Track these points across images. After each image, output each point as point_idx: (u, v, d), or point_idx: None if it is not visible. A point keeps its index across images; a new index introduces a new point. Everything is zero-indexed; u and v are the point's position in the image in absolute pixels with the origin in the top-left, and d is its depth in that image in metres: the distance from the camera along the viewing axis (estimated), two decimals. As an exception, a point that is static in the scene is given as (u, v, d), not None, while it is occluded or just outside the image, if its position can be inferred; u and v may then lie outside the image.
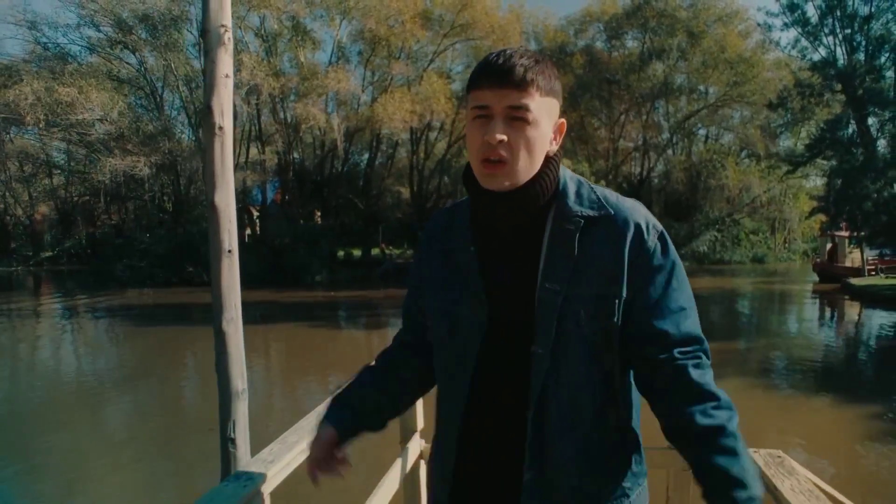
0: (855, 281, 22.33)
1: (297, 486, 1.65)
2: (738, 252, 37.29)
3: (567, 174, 1.05)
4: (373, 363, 1.23)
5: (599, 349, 0.98)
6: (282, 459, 1.44)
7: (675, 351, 0.96)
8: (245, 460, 2.41)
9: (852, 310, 18.61)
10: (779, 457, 1.35)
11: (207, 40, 2.28)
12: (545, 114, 0.97)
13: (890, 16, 19.98)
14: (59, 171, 32.14)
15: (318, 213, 31.70)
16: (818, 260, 29.06)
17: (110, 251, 29.75)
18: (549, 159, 1.01)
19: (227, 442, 2.41)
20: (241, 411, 2.44)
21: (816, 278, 26.32)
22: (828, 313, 19.07)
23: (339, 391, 1.18)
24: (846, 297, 20.80)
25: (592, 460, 0.99)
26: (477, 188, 1.01)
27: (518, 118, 0.94)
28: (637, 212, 1.01)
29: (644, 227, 0.99)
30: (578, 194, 1.02)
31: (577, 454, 0.98)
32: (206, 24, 2.28)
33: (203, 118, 2.32)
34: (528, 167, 0.97)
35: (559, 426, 0.97)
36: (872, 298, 19.35)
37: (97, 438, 7.19)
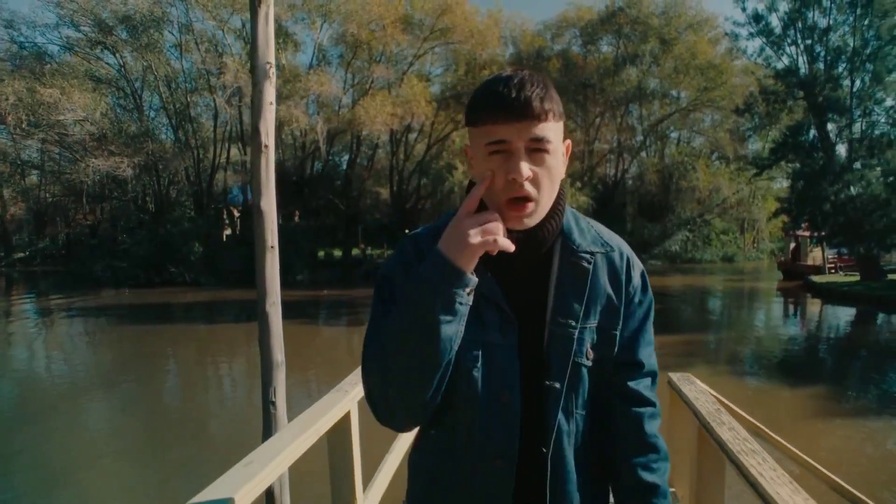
0: (816, 278, 23.47)
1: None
2: (708, 251, 38.52)
3: (567, 207, 1.06)
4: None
5: (599, 379, 1.02)
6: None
7: (644, 380, 1.05)
8: (283, 421, 2.94)
9: (813, 306, 19.58)
10: (688, 377, 1.94)
11: (255, 74, 2.79)
12: (560, 139, 0.95)
13: (846, 28, 21.00)
14: (35, 172, 31.73)
15: (297, 214, 31.89)
16: (782, 259, 30.37)
17: (86, 252, 29.53)
18: (560, 184, 1.01)
19: (268, 405, 2.95)
20: (280, 379, 2.98)
21: (781, 276, 27.53)
22: (790, 309, 20.03)
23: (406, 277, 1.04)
24: (808, 293, 21.86)
25: (596, 483, 1.05)
26: None
27: (540, 150, 0.91)
28: (627, 249, 1.06)
29: (633, 264, 1.04)
30: (580, 229, 1.04)
31: (587, 482, 1.02)
32: (253, 61, 2.80)
33: (252, 138, 2.83)
34: (550, 199, 0.96)
35: (573, 456, 1.00)
36: (832, 295, 20.42)
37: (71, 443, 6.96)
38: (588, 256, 1.00)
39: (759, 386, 9.66)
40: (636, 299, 1.04)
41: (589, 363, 1.00)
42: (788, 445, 2.00)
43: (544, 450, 0.98)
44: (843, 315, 17.68)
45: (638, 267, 1.05)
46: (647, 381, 1.05)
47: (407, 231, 32.17)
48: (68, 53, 26.86)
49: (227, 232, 31.47)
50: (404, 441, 2.54)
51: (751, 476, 1.34)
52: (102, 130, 23.65)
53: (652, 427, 1.04)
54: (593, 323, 1.00)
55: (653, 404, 1.05)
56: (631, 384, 1.03)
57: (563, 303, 0.98)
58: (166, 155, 25.23)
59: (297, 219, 31.66)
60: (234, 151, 30.66)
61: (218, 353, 12.91)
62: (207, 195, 28.60)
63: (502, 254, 0.92)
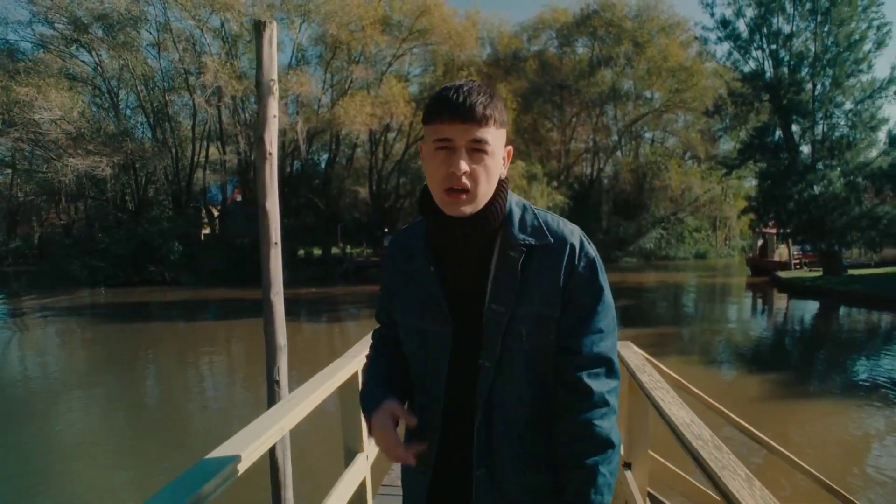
0: (782, 274, 24.40)
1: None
2: (681, 249, 39.42)
3: (513, 200, 1.15)
4: (373, 358, 1.32)
5: (538, 362, 1.10)
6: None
7: (585, 369, 1.08)
8: (287, 398, 3.30)
9: (780, 301, 20.39)
10: (626, 344, 2.41)
11: (260, 90, 3.16)
12: (499, 144, 1.07)
13: (808, 35, 21.94)
14: (6, 172, 31.19)
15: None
16: (750, 255, 31.37)
17: (60, 251, 29.17)
18: (500, 183, 1.11)
19: (273, 383, 3.32)
20: (283, 360, 3.36)
21: (749, 272, 28.49)
22: (758, 304, 20.84)
23: (363, 390, 1.25)
24: (775, 289, 22.75)
25: (534, 457, 1.12)
26: (435, 213, 1.10)
27: (479, 150, 1.03)
28: (576, 240, 1.10)
29: (577, 253, 1.09)
30: (522, 221, 1.12)
31: (521, 452, 1.11)
32: (259, 78, 3.16)
33: (256, 146, 3.20)
34: (486, 193, 1.07)
35: (503, 429, 1.10)
36: (797, 290, 21.32)
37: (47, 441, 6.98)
38: (521, 248, 1.08)
39: (726, 373, 10.26)
40: (580, 288, 1.09)
41: (525, 347, 1.08)
42: (693, 388, 2.59)
43: (474, 424, 1.09)
44: (808, 309, 18.49)
45: (586, 258, 1.10)
46: (592, 369, 1.08)
47: (386, 230, 32.42)
48: (42, 51, 26.52)
49: (206, 231, 31.43)
50: (352, 474, 2.68)
51: (654, 399, 1.82)
52: (80, 130, 23.47)
53: (590, 415, 1.07)
54: (529, 310, 1.07)
55: (591, 392, 1.07)
56: (571, 371, 1.08)
57: (497, 290, 1.08)
58: (145, 154, 25.12)
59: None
60: (212, 150, 30.62)
61: (200, 350, 13.11)
62: (186, 194, 28.55)
63: (451, 245, 1.12)
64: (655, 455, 2.57)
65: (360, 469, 2.52)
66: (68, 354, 13.20)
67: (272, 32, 3.17)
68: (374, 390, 1.19)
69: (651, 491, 2.56)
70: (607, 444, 1.07)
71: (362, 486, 2.56)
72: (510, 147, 1.14)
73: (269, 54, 3.15)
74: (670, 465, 2.56)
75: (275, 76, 3.18)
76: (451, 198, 1.04)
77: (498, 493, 1.10)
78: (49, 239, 35.88)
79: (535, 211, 1.14)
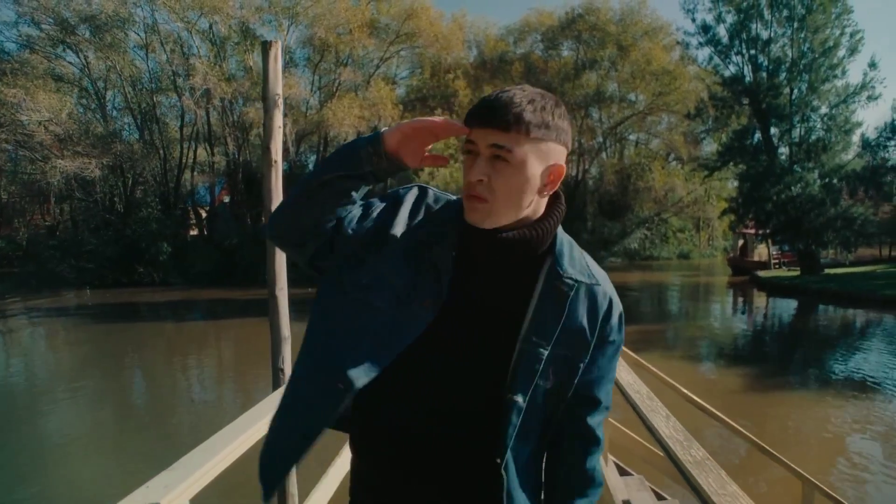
0: (762, 273, 25.03)
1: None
2: (665, 249, 40.02)
3: (565, 235, 1.07)
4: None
5: (552, 401, 1.03)
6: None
7: (598, 417, 1.09)
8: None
9: (760, 299, 20.96)
10: None
11: (266, 103, 3.45)
12: (534, 157, 0.94)
13: (785, 41, 22.58)
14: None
15: (263, 214, 31.96)
16: (731, 255, 32.03)
17: (46, 252, 29.02)
18: (550, 209, 1.03)
19: (277, 371, 3.62)
20: (286, 350, 3.65)
21: (730, 272, 29.11)
22: (738, 302, 21.39)
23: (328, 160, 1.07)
24: (755, 288, 23.34)
25: (527, 496, 1.06)
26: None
27: (499, 157, 0.93)
28: (611, 289, 1.07)
29: (615, 304, 1.06)
30: (572, 257, 1.04)
31: (529, 495, 1.05)
32: (265, 93, 3.46)
33: (263, 155, 3.50)
34: (508, 209, 0.97)
35: (517, 471, 1.03)
36: (775, 289, 21.93)
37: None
38: (571, 283, 1.01)
39: (706, 368, 10.74)
40: (609, 338, 1.06)
41: (548, 386, 1.01)
42: (659, 372, 2.85)
43: (498, 460, 1.00)
44: (786, 307, 19.04)
45: (618, 308, 1.07)
46: (601, 417, 1.09)
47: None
48: (27, 51, 26.39)
49: (194, 232, 31.39)
50: (346, 457, 2.72)
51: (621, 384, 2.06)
52: (68, 131, 23.43)
53: (593, 461, 1.09)
54: (563, 351, 1.01)
55: (599, 441, 1.09)
56: (587, 419, 1.07)
57: (539, 323, 0.99)
58: (134, 155, 25.10)
59: (264, 219, 31.70)
60: (199, 151, 30.62)
61: (191, 349, 13.29)
62: (175, 195, 28.56)
63: (482, 254, 1.01)
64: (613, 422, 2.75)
65: None
66: (55, 355, 13.29)
67: (277, 51, 3.46)
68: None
69: (612, 458, 2.83)
70: (600, 485, 1.11)
71: None
72: (561, 165, 0.99)
73: (274, 70, 3.44)
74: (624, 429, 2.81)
75: (279, 91, 3.47)
76: (468, 202, 0.97)
77: None
78: (33, 240, 35.59)
79: (581, 250, 1.09)
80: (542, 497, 1.11)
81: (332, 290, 1.07)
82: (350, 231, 1.05)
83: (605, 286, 1.06)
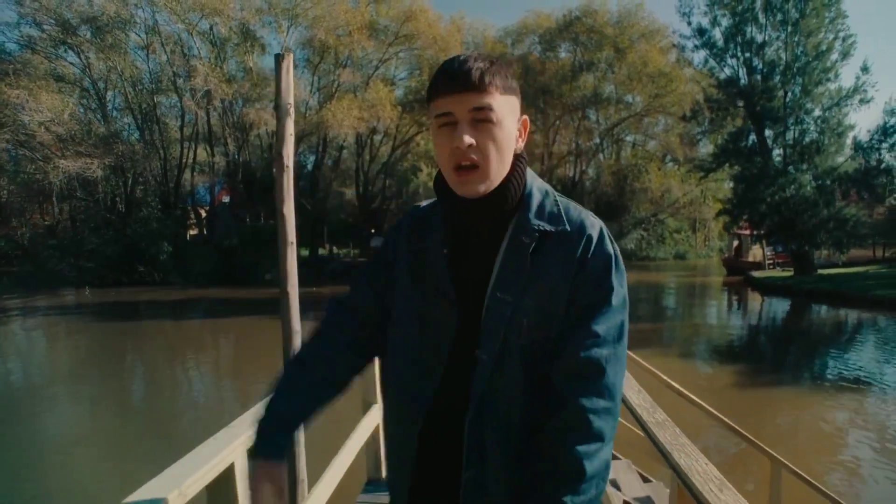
0: (756, 274, 25.30)
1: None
2: (662, 249, 40.28)
3: (536, 183, 1.05)
4: (316, 336, 1.17)
5: (534, 360, 0.98)
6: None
7: (568, 374, 0.96)
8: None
9: (754, 299, 21.21)
10: None
11: (279, 112, 3.69)
12: (508, 112, 0.97)
13: (780, 44, 22.87)
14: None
15: (262, 214, 32.20)
16: (726, 256, 32.30)
17: (46, 252, 29.19)
18: (517, 158, 1.02)
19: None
20: (297, 342, 3.88)
21: (725, 272, 29.39)
22: (733, 302, 21.63)
23: (269, 405, 1.09)
24: (749, 288, 23.60)
25: (526, 459, 0.98)
26: (448, 194, 1.01)
27: (483, 120, 0.93)
28: (592, 230, 1.00)
29: (593, 246, 0.99)
30: (541, 205, 1.02)
31: (511, 456, 0.98)
32: (277, 101, 3.69)
33: (276, 160, 3.73)
34: (499, 168, 0.97)
35: (495, 430, 0.98)
36: (769, 289, 22.19)
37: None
38: (533, 234, 0.99)
39: (702, 366, 11.00)
40: (588, 284, 0.98)
41: (523, 341, 0.97)
42: (635, 356, 3.08)
43: (466, 419, 0.98)
44: (779, 307, 19.31)
45: (602, 252, 0.99)
46: (577, 378, 0.95)
47: (373, 231, 32.80)
48: (28, 52, 26.55)
49: (193, 232, 31.61)
50: (353, 444, 2.88)
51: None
52: (71, 132, 23.65)
53: (563, 430, 0.93)
54: (533, 302, 0.97)
55: (566, 403, 0.94)
56: (555, 375, 0.97)
57: (503, 277, 0.98)
58: (135, 156, 25.33)
59: (262, 218, 32.00)
60: (199, 151, 30.82)
61: (197, 348, 13.50)
62: (175, 195, 28.77)
63: (466, 228, 1.03)
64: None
65: (374, 417, 2.86)
66: (57, 353, 13.43)
67: (289, 62, 3.69)
68: (282, 410, 1.08)
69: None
70: (576, 474, 0.91)
71: (376, 430, 2.94)
72: (525, 117, 1.03)
73: (286, 81, 3.67)
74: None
75: (291, 100, 3.70)
76: (461, 176, 0.96)
77: (486, 498, 0.99)
78: (33, 239, 35.72)
79: (558, 197, 1.06)
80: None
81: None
82: (373, 298, 1.14)
83: (585, 230, 1.00)
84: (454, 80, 0.94)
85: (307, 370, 1.13)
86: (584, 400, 0.94)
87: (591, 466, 0.91)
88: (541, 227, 1.00)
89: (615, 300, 0.99)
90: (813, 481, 2.67)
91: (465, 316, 1.01)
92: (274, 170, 3.80)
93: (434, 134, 0.99)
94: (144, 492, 1.24)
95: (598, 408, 0.94)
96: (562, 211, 1.03)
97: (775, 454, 2.64)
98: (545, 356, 0.99)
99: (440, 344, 1.02)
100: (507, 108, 0.97)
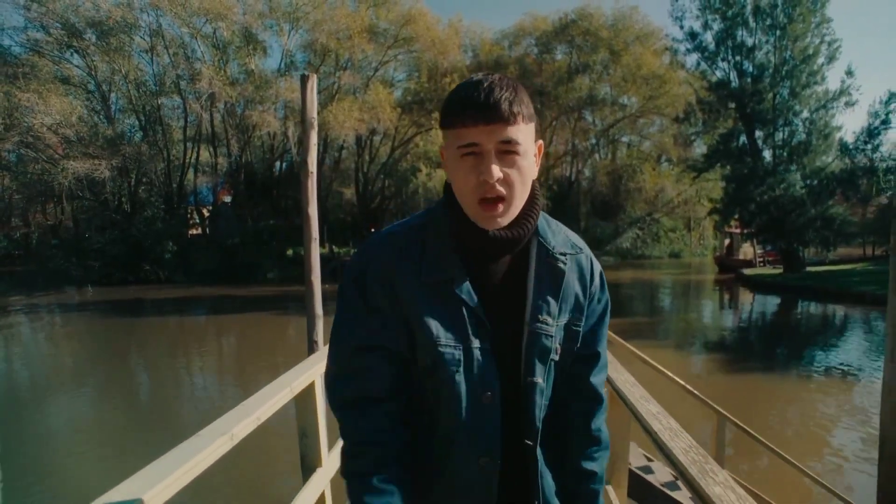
0: (747, 271, 25.87)
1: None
2: (657, 248, 40.61)
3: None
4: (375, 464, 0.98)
5: (561, 373, 1.07)
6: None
7: (597, 376, 1.11)
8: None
9: (745, 296, 21.74)
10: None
11: (304, 125, 4.28)
12: (530, 141, 0.97)
13: (769, 48, 23.47)
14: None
15: (263, 214, 32.66)
16: (718, 254, 32.88)
17: (50, 251, 29.69)
18: (532, 184, 1.02)
19: (311, 343, 4.44)
20: (319, 326, 4.47)
21: (717, 270, 29.98)
22: (726, 299, 22.12)
23: None
24: (740, 285, 24.17)
25: (551, 466, 1.09)
26: (464, 222, 0.99)
27: (510, 152, 0.93)
28: (589, 251, 1.11)
29: (595, 265, 1.11)
30: (552, 230, 1.07)
31: (551, 471, 1.07)
32: (303, 115, 4.28)
33: (301, 166, 4.32)
34: (522, 199, 0.98)
35: (550, 450, 1.06)
36: (759, 286, 22.75)
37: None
38: (562, 257, 1.04)
39: (695, 359, 11.51)
40: (597, 297, 1.10)
41: (557, 358, 1.04)
42: (649, 360, 3.62)
43: (529, 443, 1.02)
44: (769, 303, 19.85)
45: (598, 268, 1.11)
46: (602, 376, 1.12)
47: (372, 230, 33.23)
48: (34, 54, 26.96)
49: (196, 231, 32.07)
50: None
51: (639, 415, 1.93)
52: (79, 134, 24.18)
53: (598, 421, 1.11)
54: (563, 321, 1.04)
55: (602, 399, 1.11)
56: (590, 378, 1.10)
57: (540, 302, 1.01)
58: (142, 157, 25.86)
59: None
60: (201, 152, 31.33)
61: (199, 343, 13.99)
62: (178, 195, 29.29)
63: (482, 255, 1.01)
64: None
65: (317, 486, 2.37)
66: (66, 349, 13.74)
67: (313, 82, 4.27)
68: None
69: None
70: (607, 447, 1.14)
71: (321, 501, 2.44)
72: (541, 142, 1.03)
73: (310, 98, 4.26)
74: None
75: (315, 115, 4.29)
76: (486, 210, 0.95)
77: None
78: (38, 239, 36.19)
79: (549, 217, 1.10)
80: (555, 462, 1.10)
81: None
82: (397, 372, 1.01)
83: (585, 250, 1.10)
84: (482, 111, 0.91)
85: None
86: (603, 392, 1.13)
87: (606, 436, 1.15)
88: (565, 252, 1.06)
89: (609, 305, 1.14)
90: (749, 430, 3.25)
91: (502, 344, 1.01)
92: (300, 176, 4.40)
93: (453, 161, 0.96)
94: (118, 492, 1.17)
95: (602, 388, 1.13)
96: (565, 233, 1.10)
97: (721, 409, 3.21)
98: (566, 366, 1.09)
99: (489, 375, 0.99)
100: (530, 138, 0.97)
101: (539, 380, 1.01)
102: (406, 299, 0.99)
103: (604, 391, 1.11)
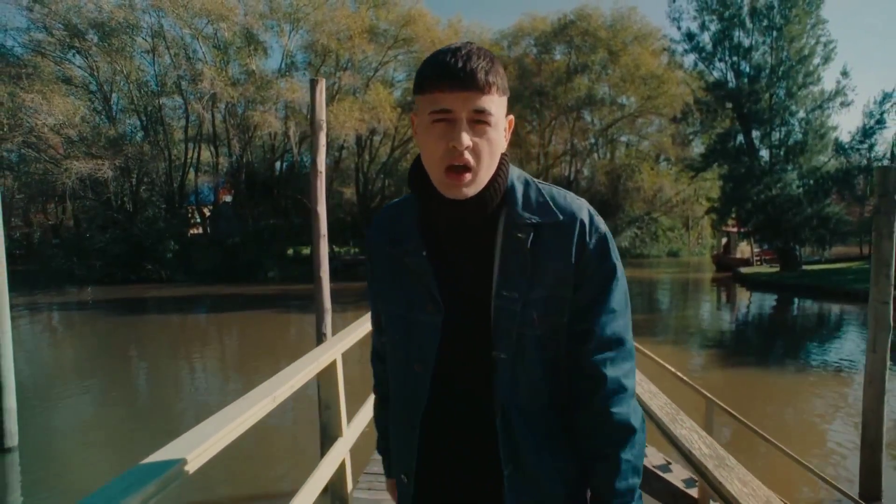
0: (744, 270, 26.12)
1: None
2: (656, 247, 40.93)
3: (514, 174, 1.04)
4: (376, 400, 1.31)
5: (549, 345, 1.01)
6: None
7: (599, 353, 1.00)
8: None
9: (742, 294, 21.98)
10: None
11: (313, 127, 4.49)
12: (502, 114, 0.96)
13: (766, 48, 23.71)
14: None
15: (264, 213, 32.84)
16: (716, 253, 33.13)
17: (51, 251, 29.83)
18: (501, 157, 1.01)
19: (321, 335, 4.64)
20: (328, 318, 4.68)
21: (715, 268, 30.23)
22: (723, 297, 22.35)
23: (379, 443, 1.32)
24: (737, 283, 24.39)
25: (557, 444, 1.03)
26: (428, 192, 1.00)
27: (481, 121, 0.92)
28: (582, 213, 1.01)
29: (588, 229, 1.00)
30: (526, 197, 1.02)
31: (543, 442, 1.01)
32: (312, 118, 4.50)
33: (311, 167, 4.54)
34: (489, 171, 0.97)
35: (523, 422, 1.00)
36: (756, 284, 23.00)
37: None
38: (528, 229, 0.99)
39: (694, 355, 11.70)
40: (592, 266, 1.00)
41: (537, 332, 1.00)
42: (654, 357, 3.77)
43: (491, 417, 1.00)
44: (766, 301, 20.09)
45: (597, 233, 1.01)
46: (606, 353, 1.00)
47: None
48: (36, 55, 27.11)
49: (198, 230, 32.26)
50: None
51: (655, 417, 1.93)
52: (82, 134, 24.38)
53: (607, 402, 0.99)
54: (541, 293, 0.99)
55: (606, 379, 0.99)
56: (585, 356, 1.01)
57: (505, 275, 0.99)
58: (144, 157, 26.06)
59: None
60: (202, 152, 31.52)
61: (200, 342, 14.16)
62: (179, 195, 29.47)
63: (446, 226, 1.02)
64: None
65: (338, 453, 2.49)
66: (71, 347, 13.91)
67: (322, 86, 4.49)
68: (385, 450, 1.29)
69: None
70: (627, 430, 1.00)
71: (341, 468, 2.55)
72: (511, 116, 1.03)
73: (319, 101, 4.47)
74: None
75: (324, 117, 4.50)
76: (451, 178, 0.94)
77: (530, 488, 1.01)
78: (39, 238, 36.35)
79: (540, 185, 1.05)
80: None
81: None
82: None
83: (576, 215, 1.01)
84: (457, 78, 0.91)
85: (380, 412, 1.31)
86: (615, 370, 1.00)
87: (636, 420, 1.01)
88: (533, 220, 1.00)
89: (619, 275, 1.04)
90: (735, 414, 3.45)
91: (464, 317, 1.01)
92: (309, 176, 4.61)
93: (424, 128, 0.96)
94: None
95: (626, 370, 1.01)
96: (548, 200, 1.02)
97: (709, 395, 3.41)
98: (559, 340, 1.03)
99: (427, 348, 1.03)
100: (501, 111, 0.97)
101: (503, 354, 0.99)
102: (375, 271, 1.14)
103: (611, 371, 1.00)
